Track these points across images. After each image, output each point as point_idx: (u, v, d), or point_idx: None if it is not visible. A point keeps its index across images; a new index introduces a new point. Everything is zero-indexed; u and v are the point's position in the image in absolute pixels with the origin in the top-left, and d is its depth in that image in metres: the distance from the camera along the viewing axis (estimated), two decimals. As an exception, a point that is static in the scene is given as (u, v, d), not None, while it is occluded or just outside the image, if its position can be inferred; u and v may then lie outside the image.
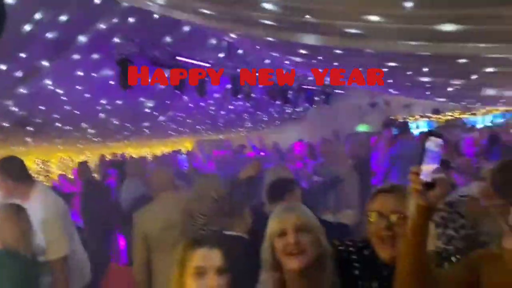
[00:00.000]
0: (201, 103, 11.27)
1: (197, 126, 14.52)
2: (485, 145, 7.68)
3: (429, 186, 1.28)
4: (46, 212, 3.12)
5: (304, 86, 12.53)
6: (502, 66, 6.19)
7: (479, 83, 7.80)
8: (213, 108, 12.38)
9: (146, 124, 12.30)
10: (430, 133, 1.37)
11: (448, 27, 3.84)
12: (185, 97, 10.01)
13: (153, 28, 7.36)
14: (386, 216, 1.62)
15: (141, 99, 10.05)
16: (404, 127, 6.65)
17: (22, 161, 3.32)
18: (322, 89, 13.48)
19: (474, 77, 7.15)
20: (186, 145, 16.78)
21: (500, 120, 14.73)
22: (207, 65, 8.64)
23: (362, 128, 17.35)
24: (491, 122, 15.15)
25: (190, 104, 11.23)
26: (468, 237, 2.25)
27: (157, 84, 9.45)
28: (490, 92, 9.12)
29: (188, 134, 15.63)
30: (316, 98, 13.67)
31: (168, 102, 10.73)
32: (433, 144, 1.33)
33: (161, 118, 12.03)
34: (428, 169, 1.29)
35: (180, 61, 7.95)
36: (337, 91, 14.63)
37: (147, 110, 10.78)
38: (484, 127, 12.01)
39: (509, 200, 1.57)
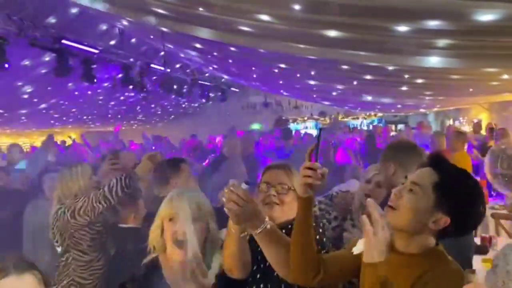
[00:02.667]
0: (88, 92, 10.57)
1: (83, 117, 13.60)
2: (362, 145, 8.43)
3: (322, 177, 1.44)
4: None
5: (201, 82, 12.49)
6: (379, 75, 6.81)
7: (359, 89, 8.48)
8: (101, 97, 11.68)
9: (23, 111, 11.17)
10: (320, 129, 1.58)
11: (333, 33, 4.11)
12: (70, 84, 9.30)
13: (35, 6, 6.70)
14: (273, 185, 1.79)
15: (18, 83, 9.09)
16: (288, 133, 7.01)
17: None
18: (218, 86, 13.56)
19: (355, 83, 7.76)
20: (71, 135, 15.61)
21: (376, 124, 16.26)
22: (96, 51, 8.12)
23: (255, 126, 17.86)
24: (370, 125, 16.67)
25: (75, 92, 10.46)
26: (337, 228, 2.45)
27: (37, 68, 8.65)
28: (368, 98, 9.99)
29: (73, 124, 14.58)
30: (211, 95, 13.71)
31: (50, 89, 9.87)
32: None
33: (42, 105, 11.03)
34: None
35: (65, 45, 7.36)
36: (232, 89, 14.85)
37: (25, 96, 9.79)
38: (363, 130, 13.13)
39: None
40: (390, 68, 6.08)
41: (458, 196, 1.38)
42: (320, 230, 1.80)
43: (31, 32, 6.78)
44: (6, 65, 6.35)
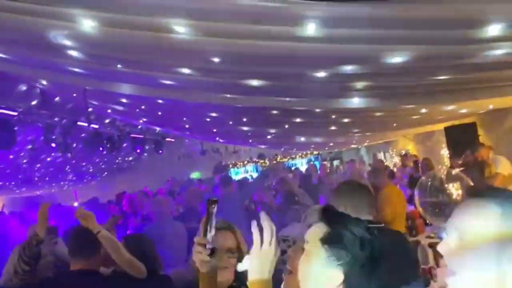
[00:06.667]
0: (10, 156, 9.88)
1: (6, 183, 12.64)
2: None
3: (211, 252, 1.36)
4: None
5: (133, 135, 12.16)
6: (307, 117, 6.99)
7: (291, 131, 8.66)
8: (25, 161, 10.97)
9: None
10: (212, 201, 1.40)
11: (255, 82, 4.15)
12: (-13, 150, 8.64)
13: None
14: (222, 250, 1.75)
15: None
16: (227, 180, 6.91)
17: None
18: (152, 138, 13.29)
19: (286, 126, 7.91)
20: None
21: (312, 162, 16.65)
22: (15, 113, 7.67)
23: (195, 175, 17.57)
24: (307, 163, 17.03)
25: (-5, 158, 9.75)
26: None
27: None
28: (302, 139, 10.22)
29: (-4, 191, 13.49)
30: (146, 147, 13.38)
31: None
32: (216, 209, 1.38)
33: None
34: (211, 235, 1.36)
35: (-22, 109, 6.89)
36: (167, 139, 14.61)
37: None
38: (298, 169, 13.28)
39: None
40: (317, 110, 6.26)
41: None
42: None
43: None
44: None
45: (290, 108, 6.14)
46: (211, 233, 1.38)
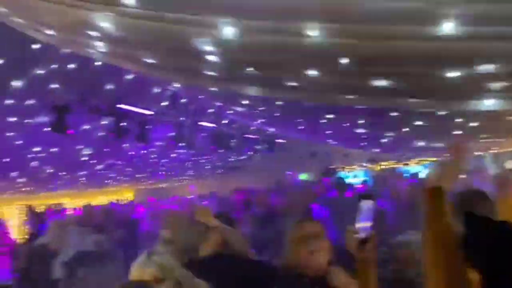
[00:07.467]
0: (142, 151, 11.03)
1: (136, 175, 14.11)
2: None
3: (363, 242, 1.51)
4: None
5: (247, 135, 12.74)
6: (430, 120, 6.67)
7: (410, 135, 8.32)
8: (154, 156, 12.14)
9: (82, 172, 11.77)
10: (361, 196, 1.57)
11: (382, 83, 4.11)
12: (125, 145, 9.76)
13: (94, 75, 7.23)
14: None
15: (79, 146, 9.67)
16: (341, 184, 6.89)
17: None
18: (264, 139, 13.75)
19: (405, 129, 7.63)
20: (126, 194, 16.18)
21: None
22: (150, 113, 8.56)
23: (303, 177, 17.70)
24: (421, 171, 16.08)
25: (130, 152, 10.94)
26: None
27: (95, 132, 9.19)
28: (420, 143, 9.74)
29: (128, 182, 15.12)
30: (258, 147, 13.89)
31: (107, 150, 10.40)
32: (365, 205, 1.54)
33: (99, 166, 11.59)
34: (361, 227, 1.52)
35: (121, 109, 7.82)
36: (279, 140, 14.98)
37: (84, 158, 10.36)
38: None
39: None
40: (442, 113, 5.96)
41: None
42: None
43: (90, 100, 7.28)
44: (69, 131, 6.78)
45: (412, 110, 5.94)
46: (359, 224, 1.52)
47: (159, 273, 1.86)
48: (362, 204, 1.55)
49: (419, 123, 6.88)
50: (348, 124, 7.85)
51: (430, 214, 1.29)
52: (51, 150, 9.11)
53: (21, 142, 8.32)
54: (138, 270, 1.91)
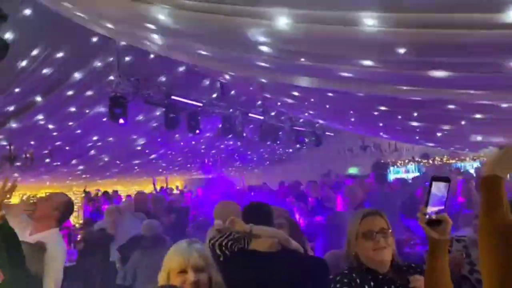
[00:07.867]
0: (192, 142, 11.29)
1: (187, 165, 14.46)
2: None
3: (434, 223, 1.47)
4: None
5: (295, 128, 12.67)
6: (490, 113, 6.34)
7: (468, 129, 7.94)
8: (203, 147, 12.38)
9: (136, 161, 12.22)
10: (434, 178, 1.48)
11: (439, 73, 3.95)
12: (177, 136, 10.02)
13: (149, 67, 7.47)
14: (377, 232, 1.90)
15: (133, 136, 10.03)
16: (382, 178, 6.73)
17: None
18: (313, 131, 13.62)
19: (462, 122, 7.29)
20: (176, 183, 16.63)
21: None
22: (200, 104, 8.72)
23: (352, 170, 17.40)
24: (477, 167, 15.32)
25: (181, 143, 11.23)
26: None
27: (149, 122, 9.50)
28: (478, 138, 9.28)
29: (178, 172, 15.53)
30: (306, 140, 13.78)
31: (159, 140, 10.73)
32: (436, 188, 1.46)
33: (152, 156, 11.98)
34: (433, 210, 1.46)
35: (174, 100, 8.03)
36: (328, 133, 14.80)
37: (138, 147, 10.74)
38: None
39: None
40: (504, 105, 5.64)
41: None
42: None
43: (145, 91, 7.52)
44: (122, 121, 7.03)
45: (472, 103, 5.66)
46: (429, 206, 1.46)
47: (201, 260, 1.82)
48: (433, 187, 1.45)
49: (479, 116, 6.55)
50: (400, 117, 7.61)
51: (487, 202, 1.31)
52: (108, 139, 9.52)
53: (80, 131, 8.75)
54: (176, 255, 1.84)
